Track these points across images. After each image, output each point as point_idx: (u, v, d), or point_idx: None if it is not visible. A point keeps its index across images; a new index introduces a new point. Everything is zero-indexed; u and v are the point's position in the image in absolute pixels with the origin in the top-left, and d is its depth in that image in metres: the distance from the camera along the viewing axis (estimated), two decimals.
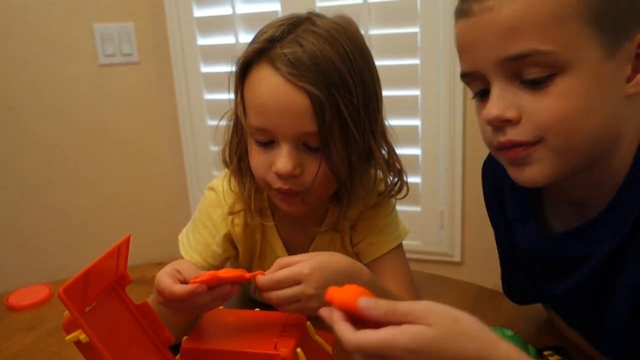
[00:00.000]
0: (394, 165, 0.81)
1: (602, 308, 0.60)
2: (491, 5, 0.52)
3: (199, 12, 1.72)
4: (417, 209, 1.57)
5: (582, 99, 0.51)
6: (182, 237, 0.88)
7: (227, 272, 0.64)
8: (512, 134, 0.54)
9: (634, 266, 0.55)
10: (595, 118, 0.52)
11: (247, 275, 0.65)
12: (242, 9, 1.65)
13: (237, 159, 0.81)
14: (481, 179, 0.78)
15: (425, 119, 1.51)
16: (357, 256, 0.86)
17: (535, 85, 0.52)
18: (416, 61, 1.47)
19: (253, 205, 0.81)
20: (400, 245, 0.88)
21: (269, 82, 0.69)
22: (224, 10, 1.67)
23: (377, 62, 0.77)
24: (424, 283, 1.00)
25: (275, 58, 0.69)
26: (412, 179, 1.51)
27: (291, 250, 0.86)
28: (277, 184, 0.73)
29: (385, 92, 0.78)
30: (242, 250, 0.86)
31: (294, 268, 0.63)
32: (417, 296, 0.83)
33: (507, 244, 0.74)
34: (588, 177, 0.57)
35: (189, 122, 1.84)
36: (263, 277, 0.65)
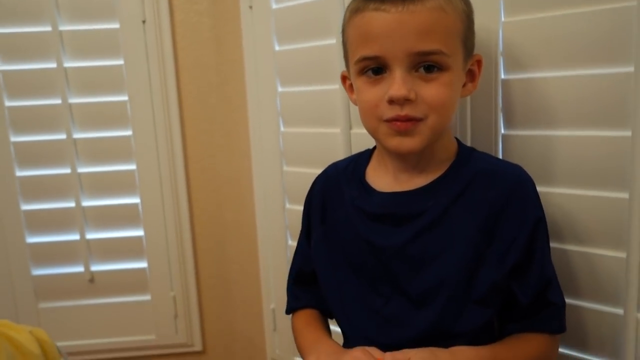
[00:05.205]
0: None
1: (430, 260, 0.75)
2: (413, 9, 0.68)
3: None
4: (146, 297, 1.40)
5: (453, 91, 0.73)
6: None
7: None
8: (409, 110, 0.71)
9: (462, 218, 0.74)
10: (455, 107, 0.75)
11: None
12: None
13: None
14: (308, 197, 0.91)
15: (145, 198, 1.38)
16: None
17: (428, 75, 0.71)
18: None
19: None
20: None
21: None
22: None
23: None
24: None
25: None
26: (138, 265, 1.39)
27: None
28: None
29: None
30: None
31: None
32: None
33: (321, 235, 0.86)
34: (432, 149, 0.77)
35: None
36: None
